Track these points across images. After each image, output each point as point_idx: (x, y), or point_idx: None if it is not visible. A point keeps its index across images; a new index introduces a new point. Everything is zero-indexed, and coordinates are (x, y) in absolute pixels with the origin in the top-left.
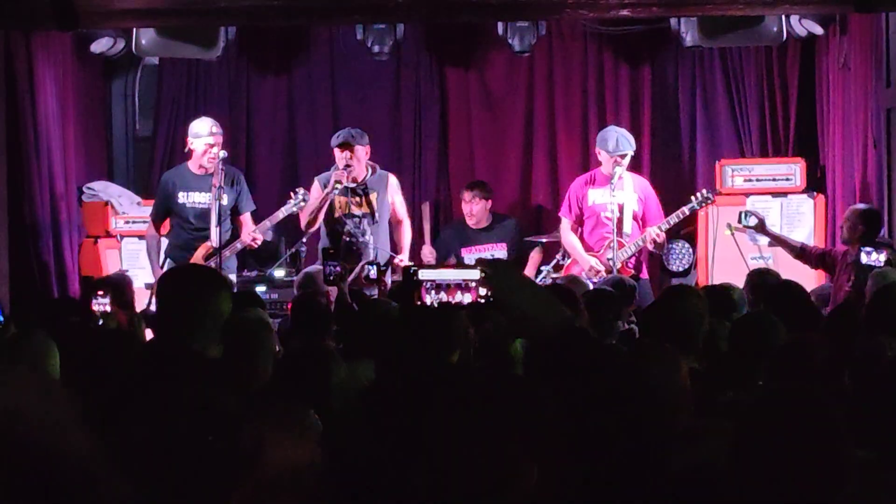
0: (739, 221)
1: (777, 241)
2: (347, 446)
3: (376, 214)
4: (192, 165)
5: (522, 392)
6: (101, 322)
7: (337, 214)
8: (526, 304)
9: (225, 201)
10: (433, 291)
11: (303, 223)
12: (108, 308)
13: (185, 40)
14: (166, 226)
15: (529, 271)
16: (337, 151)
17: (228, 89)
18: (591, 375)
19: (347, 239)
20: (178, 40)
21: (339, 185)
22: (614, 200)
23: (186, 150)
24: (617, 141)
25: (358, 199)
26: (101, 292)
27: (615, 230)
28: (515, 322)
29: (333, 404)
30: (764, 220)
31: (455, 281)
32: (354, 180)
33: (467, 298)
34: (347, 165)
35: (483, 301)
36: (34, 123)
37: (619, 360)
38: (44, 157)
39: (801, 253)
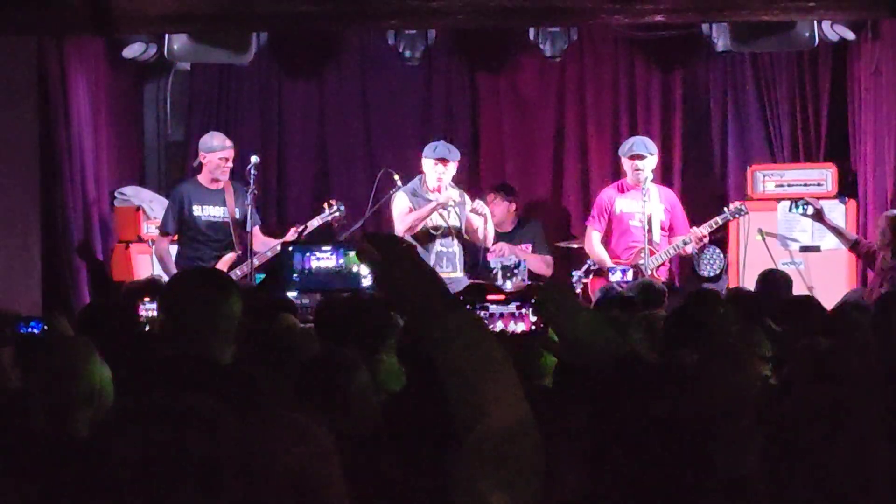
0: (791, 210)
1: (834, 231)
2: (366, 455)
3: (459, 228)
4: (203, 179)
5: (554, 402)
6: (147, 328)
7: (428, 226)
8: (579, 330)
9: (238, 214)
10: (487, 321)
11: (402, 230)
12: (156, 313)
13: (217, 45)
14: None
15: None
16: (431, 161)
17: (260, 94)
18: (648, 400)
19: (439, 250)
20: (210, 45)
21: (452, 204)
22: (645, 209)
23: (196, 163)
24: (632, 144)
25: (446, 212)
26: (147, 297)
27: (646, 237)
28: (568, 348)
29: (353, 412)
30: (822, 210)
31: (508, 310)
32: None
33: (521, 327)
34: (439, 179)
35: (536, 329)
36: (67, 129)
37: (678, 380)
38: (76, 162)
39: (854, 246)
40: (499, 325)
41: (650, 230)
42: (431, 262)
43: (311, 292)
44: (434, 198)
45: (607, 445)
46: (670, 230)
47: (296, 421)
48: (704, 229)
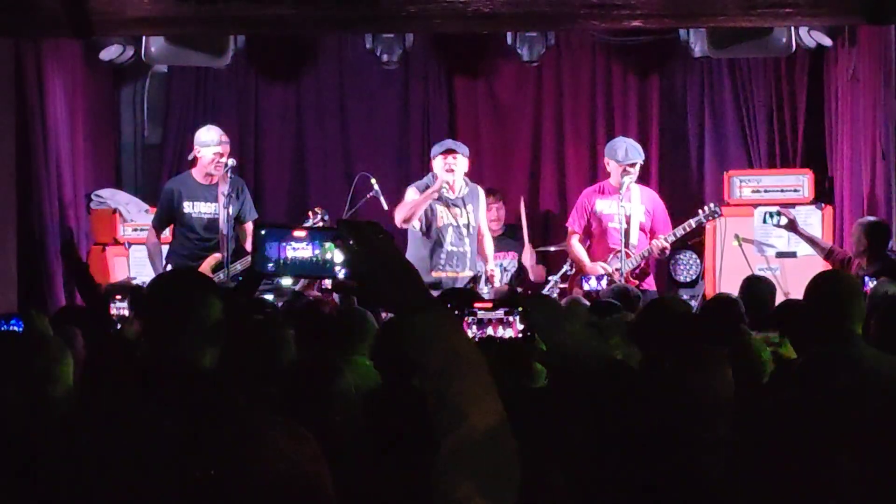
0: (764, 222)
1: (808, 241)
2: (348, 459)
3: (471, 226)
4: (196, 174)
5: (546, 403)
6: (118, 326)
7: (439, 224)
8: (566, 338)
9: (231, 210)
10: (474, 326)
11: (400, 219)
12: (126, 312)
13: (194, 48)
14: (166, 233)
15: (538, 278)
16: (440, 158)
17: (237, 97)
18: (631, 406)
19: (450, 248)
20: (187, 48)
21: (446, 186)
22: (622, 211)
23: (191, 157)
24: (626, 150)
25: (458, 210)
26: (118, 296)
27: (623, 240)
28: (556, 356)
29: (335, 417)
30: (795, 220)
31: (497, 316)
32: (451, 189)
33: (508, 333)
34: (450, 171)
35: (523, 336)
36: (43, 130)
37: (659, 383)
38: (52, 164)
39: (828, 255)
40: (487, 331)
41: (628, 232)
42: (443, 261)
43: (284, 277)
44: (448, 196)
45: (596, 451)
46: (651, 232)
47: (285, 422)
48: (670, 238)
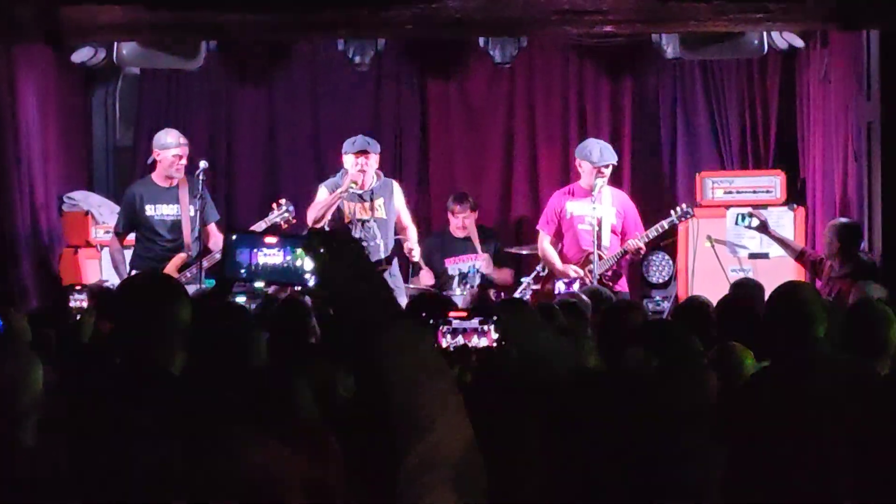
0: (736, 223)
1: (779, 242)
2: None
3: (382, 219)
4: (157, 178)
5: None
6: (77, 317)
7: (347, 220)
8: (538, 346)
9: (192, 213)
10: (449, 335)
11: (310, 220)
12: (85, 304)
13: (166, 51)
14: (129, 237)
15: (503, 281)
16: (352, 157)
17: (209, 99)
18: (604, 416)
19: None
20: (159, 51)
21: (353, 185)
22: (595, 213)
23: (150, 161)
24: (601, 152)
25: (365, 204)
26: (78, 287)
27: (595, 242)
28: (528, 364)
29: (296, 423)
30: (766, 221)
31: (472, 325)
32: (361, 187)
33: (483, 342)
34: (362, 171)
35: (497, 345)
36: (15, 133)
37: (628, 389)
38: (24, 166)
39: (800, 256)
40: (462, 341)
41: (599, 234)
42: None
43: (255, 282)
44: (356, 191)
45: (565, 458)
46: (623, 234)
47: (259, 427)
48: (643, 239)
